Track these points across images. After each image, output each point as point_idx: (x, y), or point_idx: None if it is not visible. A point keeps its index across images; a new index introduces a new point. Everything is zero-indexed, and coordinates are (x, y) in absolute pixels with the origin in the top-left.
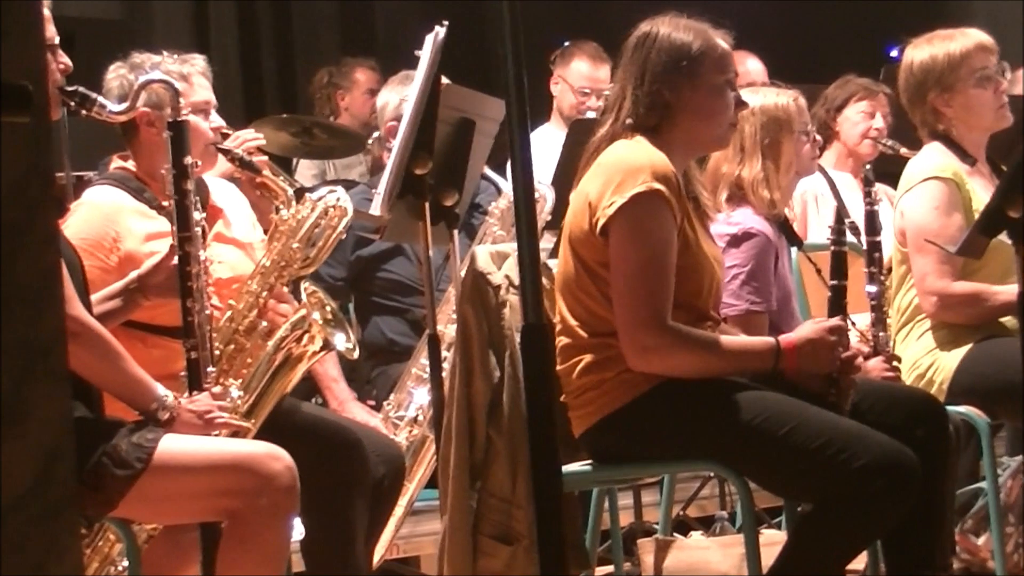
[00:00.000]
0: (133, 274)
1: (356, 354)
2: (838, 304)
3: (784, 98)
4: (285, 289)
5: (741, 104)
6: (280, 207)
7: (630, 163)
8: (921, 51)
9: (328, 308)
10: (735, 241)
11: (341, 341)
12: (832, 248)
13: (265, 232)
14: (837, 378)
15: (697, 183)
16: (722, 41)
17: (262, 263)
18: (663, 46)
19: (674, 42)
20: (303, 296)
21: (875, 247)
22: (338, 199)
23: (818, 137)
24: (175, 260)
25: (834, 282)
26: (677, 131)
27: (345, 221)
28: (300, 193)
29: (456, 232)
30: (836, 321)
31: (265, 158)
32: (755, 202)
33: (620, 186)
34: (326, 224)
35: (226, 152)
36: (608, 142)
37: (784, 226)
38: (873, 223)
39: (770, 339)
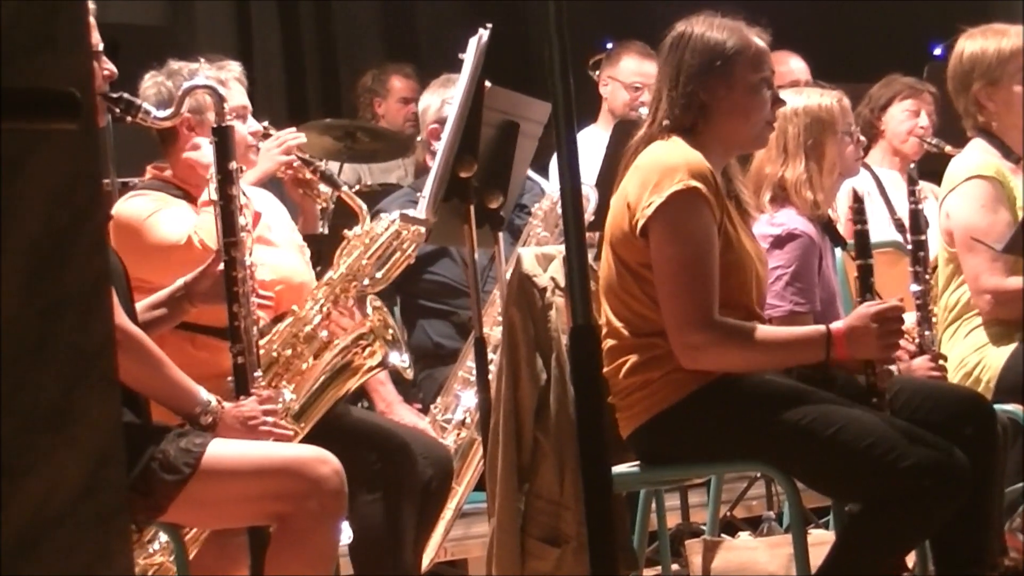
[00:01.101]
0: (179, 281)
1: (411, 373)
2: (866, 284)
3: (828, 99)
4: (349, 304)
5: (778, 102)
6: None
7: (666, 163)
8: (974, 42)
9: (391, 329)
10: (778, 242)
11: (396, 359)
12: (855, 227)
13: (304, 238)
14: (873, 361)
15: (738, 182)
16: (758, 39)
17: (329, 276)
18: (697, 46)
19: (708, 42)
20: (369, 311)
21: (920, 246)
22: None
23: (862, 138)
24: (220, 266)
25: (859, 261)
26: (714, 131)
27: (415, 246)
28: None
29: (500, 234)
30: (888, 305)
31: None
32: (798, 203)
33: (657, 186)
34: (397, 246)
35: (309, 163)
36: (645, 144)
37: (828, 227)
38: (917, 222)
39: (820, 327)
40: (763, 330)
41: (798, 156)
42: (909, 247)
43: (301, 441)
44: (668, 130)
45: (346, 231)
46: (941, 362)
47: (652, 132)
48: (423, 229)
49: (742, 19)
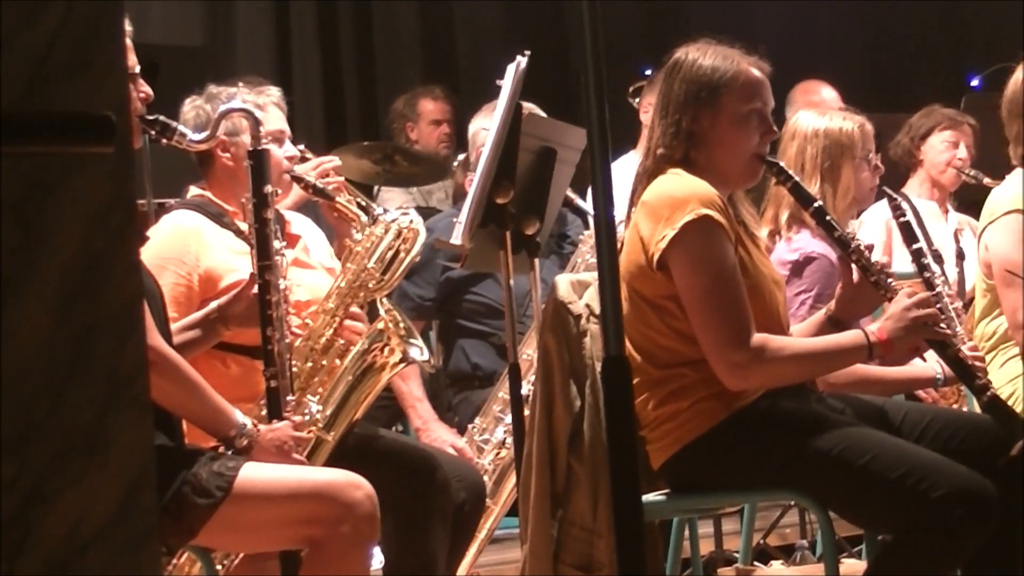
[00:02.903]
0: (213, 304)
1: (431, 364)
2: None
3: (850, 123)
4: (357, 309)
5: (769, 134)
6: (355, 230)
7: (673, 195)
8: None
9: (402, 324)
10: (797, 268)
11: (416, 354)
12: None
13: (339, 257)
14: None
15: (742, 207)
16: (754, 69)
17: (338, 284)
18: (687, 75)
19: (696, 71)
20: (381, 312)
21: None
22: (411, 221)
23: (880, 165)
24: (255, 289)
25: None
26: (707, 163)
27: (419, 243)
28: (373, 215)
29: (538, 261)
30: (917, 297)
31: (341, 179)
32: (811, 224)
33: (669, 219)
34: (400, 246)
35: (299, 179)
36: (649, 177)
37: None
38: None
39: (857, 332)
40: (803, 340)
41: (814, 177)
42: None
43: (333, 460)
44: (665, 161)
45: (347, 239)
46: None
47: (648, 165)
48: (422, 228)
49: (739, 47)
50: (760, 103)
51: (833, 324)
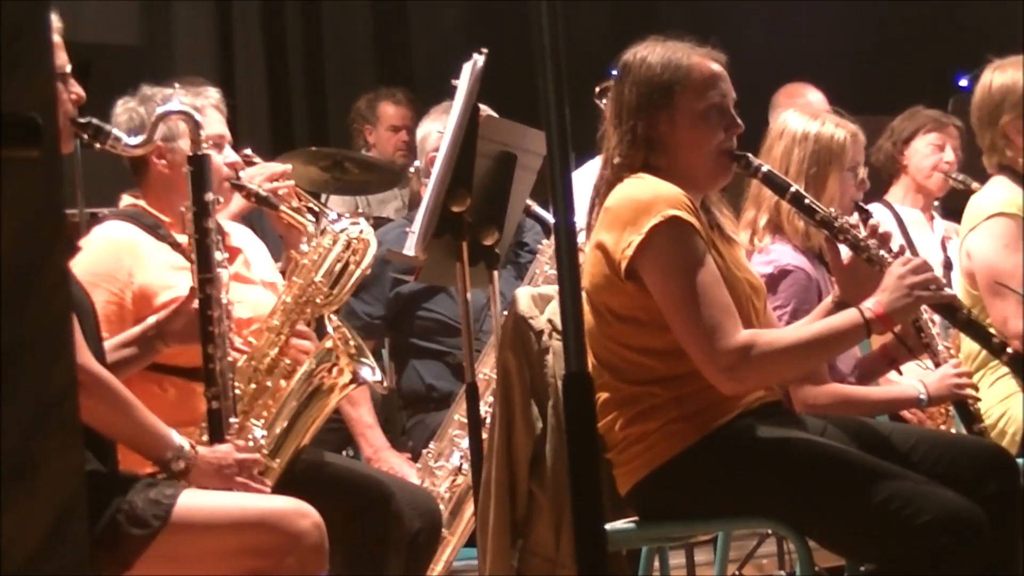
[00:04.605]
0: (151, 319)
1: (384, 385)
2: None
3: (842, 132)
4: (304, 326)
5: (734, 127)
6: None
7: (637, 199)
8: (1004, 73)
9: (352, 343)
10: (772, 282)
11: (368, 374)
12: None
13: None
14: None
15: (717, 210)
16: (708, 61)
17: (283, 299)
18: (636, 78)
19: (645, 72)
20: (329, 329)
21: None
22: (360, 231)
23: (865, 180)
24: (195, 304)
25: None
26: (670, 167)
27: (370, 255)
28: (322, 225)
29: (496, 273)
30: (912, 264)
31: (291, 183)
32: (789, 231)
33: (635, 225)
34: (350, 258)
35: (240, 187)
36: (608, 186)
37: (822, 257)
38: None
39: (852, 311)
40: (795, 330)
41: (798, 182)
42: None
43: (279, 487)
44: (625, 169)
45: (293, 252)
46: (964, 368)
47: (607, 175)
48: (373, 239)
49: (691, 41)
50: (718, 96)
51: (840, 307)
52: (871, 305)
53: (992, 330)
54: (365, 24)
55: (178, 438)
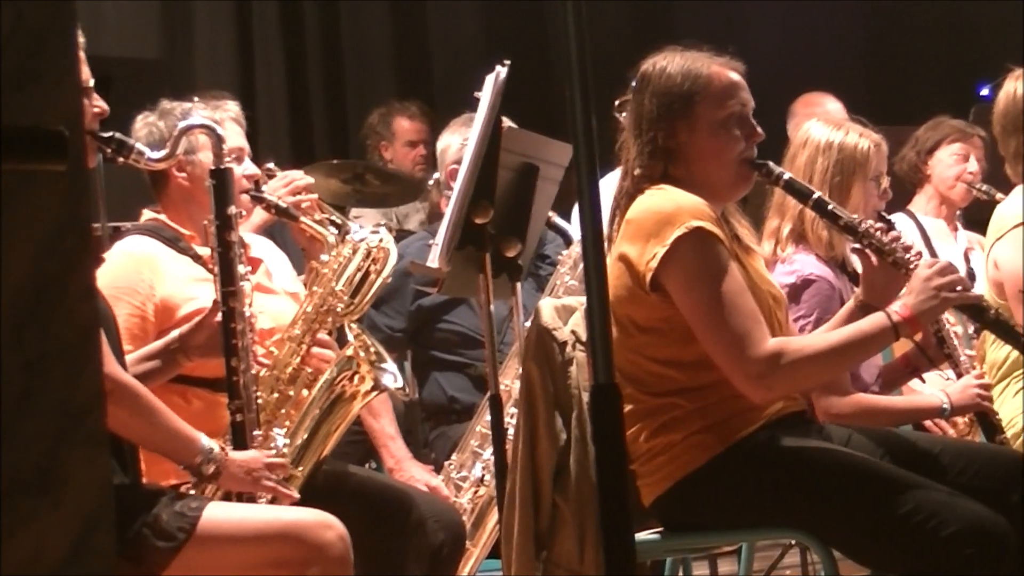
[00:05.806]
0: (174, 333)
1: (405, 392)
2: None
3: (866, 141)
4: (325, 335)
5: (754, 136)
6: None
7: (659, 210)
8: None
9: (373, 350)
10: (795, 292)
11: (390, 381)
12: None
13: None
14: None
15: (735, 220)
16: (727, 70)
17: (304, 309)
18: (655, 88)
19: (665, 82)
20: (349, 338)
21: None
22: (381, 240)
23: (888, 191)
24: (218, 318)
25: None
26: (690, 177)
27: (391, 264)
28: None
29: (519, 285)
30: (938, 265)
31: (314, 196)
32: (812, 240)
33: (658, 236)
34: (370, 267)
35: (260, 199)
36: (628, 199)
37: (845, 267)
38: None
39: (879, 315)
40: (823, 336)
41: (822, 191)
42: None
43: (302, 499)
44: (645, 181)
45: (313, 261)
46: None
47: (627, 186)
48: (393, 247)
49: (709, 50)
50: (738, 105)
51: (863, 310)
52: (898, 308)
53: (1020, 329)
54: (384, 36)
55: (207, 441)
